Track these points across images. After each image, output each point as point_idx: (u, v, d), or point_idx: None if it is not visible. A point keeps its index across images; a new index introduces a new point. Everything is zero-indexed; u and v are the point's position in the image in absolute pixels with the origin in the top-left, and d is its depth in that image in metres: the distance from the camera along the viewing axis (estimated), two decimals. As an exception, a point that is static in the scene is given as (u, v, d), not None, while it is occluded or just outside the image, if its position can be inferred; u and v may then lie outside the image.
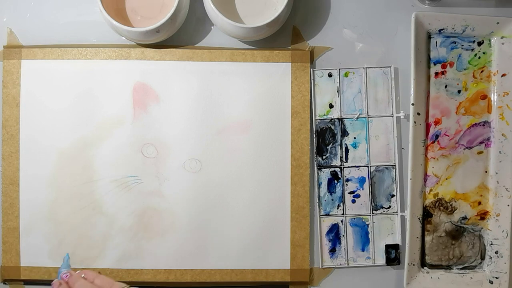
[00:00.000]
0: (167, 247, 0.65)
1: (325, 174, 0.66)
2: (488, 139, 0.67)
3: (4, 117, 0.65)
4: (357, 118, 0.66)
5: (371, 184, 0.66)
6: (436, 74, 0.67)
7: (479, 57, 0.67)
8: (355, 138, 0.66)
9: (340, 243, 0.66)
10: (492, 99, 0.67)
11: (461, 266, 0.67)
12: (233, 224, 0.65)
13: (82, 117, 0.65)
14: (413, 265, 0.65)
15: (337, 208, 0.66)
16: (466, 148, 0.67)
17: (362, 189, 0.66)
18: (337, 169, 0.66)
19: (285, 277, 0.65)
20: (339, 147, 0.66)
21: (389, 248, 0.66)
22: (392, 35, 0.67)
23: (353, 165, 0.66)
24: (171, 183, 0.65)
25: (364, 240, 0.67)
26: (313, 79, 0.66)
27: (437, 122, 0.67)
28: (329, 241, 0.66)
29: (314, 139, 0.66)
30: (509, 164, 0.66)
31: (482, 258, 0.67)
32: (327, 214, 0.66)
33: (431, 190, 0.67)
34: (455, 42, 0.67)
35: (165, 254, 0.65)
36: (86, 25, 0.66)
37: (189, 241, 0.65)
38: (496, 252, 0.66)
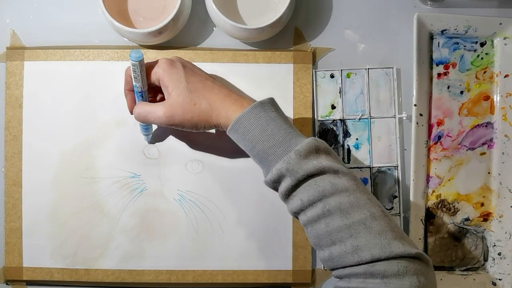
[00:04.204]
0: (169, 248, 0.65)
1: (327, 175, 0.66)
2: (491, 140, 0.67)
3: (7, 118, 0.65)
4: (359, 119, 0.66)
5: (373, 185, 0.66)
6: (439, 75, 0.67)
7: (482, 58, 0.67)
8: (357, 139, 0.66)
9: (342, 244, 0.66)
10: (494, 100, 0.67)
11: (464, 268, 0.67)
12: (234, 225, 0.65)
13: (84, 118, 0.65)
14: (416, 266, 0.65)
15: (339, 209, 0.66)
16: (469, 149, 0.67)
17: (364, 190, 0.66)
18: (339, 170, 0.66)
19: (287, 278, 0.65)
20: (341, 148, 0.66)
21: (392, 249, 0.66)
22: (394, 36, 0.67)
23: (355, 166, 0.66)
24: (173, 184, 0.65)
25: (366, 242, 0.66)
26: (315, 80, 0.66)
27: (439, 123, 0.67)
28: (331, 242, 0.66)
29: (316, 140, 0.66)
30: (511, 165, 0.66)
31: (485, 259, 0.67)
32: (329, 215, 0.66)
33: (433, 191, 0.67)
34: (457, 43, 0.66)
35: (167, 255, 0.65)
36: (88, 26, 0.66)
37: (190, 242, 0.65)
38: (499, 254, 0.66)
